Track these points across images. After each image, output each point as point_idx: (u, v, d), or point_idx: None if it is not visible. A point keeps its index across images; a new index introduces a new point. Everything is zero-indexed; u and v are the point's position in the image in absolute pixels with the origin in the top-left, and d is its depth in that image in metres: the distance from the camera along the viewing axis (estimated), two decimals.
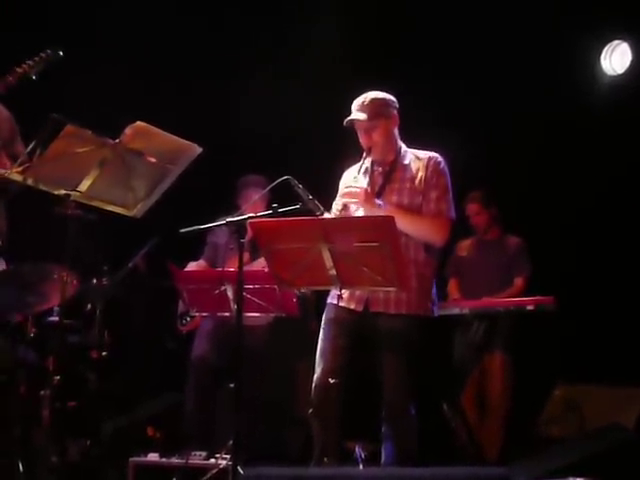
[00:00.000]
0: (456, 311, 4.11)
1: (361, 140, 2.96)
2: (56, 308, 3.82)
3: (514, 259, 4.34)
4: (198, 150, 2.51)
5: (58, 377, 3.22)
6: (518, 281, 4.30)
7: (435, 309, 2.99)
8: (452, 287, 4.45)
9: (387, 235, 2.49)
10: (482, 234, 4.49)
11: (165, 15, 4.66)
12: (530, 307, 3.94)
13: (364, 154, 2.93)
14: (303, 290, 3.17)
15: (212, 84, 4.81)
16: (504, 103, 4.43)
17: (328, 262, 2.56)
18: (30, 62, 2.50)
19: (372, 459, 3.51)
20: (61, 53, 2.54)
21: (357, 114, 2.93)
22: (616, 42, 4.43)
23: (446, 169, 2.97)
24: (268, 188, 3.07)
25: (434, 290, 2.99)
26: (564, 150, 4.46)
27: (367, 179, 2.98)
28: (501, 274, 4.33)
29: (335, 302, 2.92)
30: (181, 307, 4.13)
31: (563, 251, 4.43)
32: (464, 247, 4.50)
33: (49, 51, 2.53)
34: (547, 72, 4.40)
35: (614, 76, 4.45)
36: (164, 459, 3.45)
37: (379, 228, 2.51)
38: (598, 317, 4.30)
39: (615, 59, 4.41)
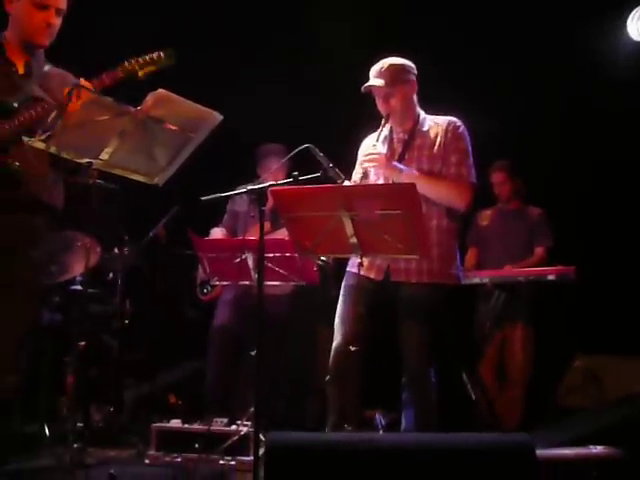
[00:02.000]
0: (476, 280, 4.10)
1: (379, 107, 2.94)
2: (79, 277, 3.87)
3: (535, 229, 4.32)
4: (219, 118, 2.49)
5: (83, 343, 3.27)
6: (539, 250, 4.28)
7: (460, 275, 2.97)
8: (470, 256, 4.44)
9: (409, 202, 2.47)
10: (504, 203, 4.45)
11: None
12: (551, 277, 3.92)
13: (383, 121, 2.91)
14: (324, 258, 3.16)
15: (231, 51, 4.77)
16: (528, 71, 4.35)
17: (349, 230, 2.55)
18: (140, 60, 2.46)
19: (392, 426, 3.55)
20: (173, 59, 2.44)
21: (375, 80, 2.90)
22: None
23: (465, 133, 2.94)
24: (289, 156, 3.06)
25: (458, 257, 2.97)
26: (589, 118, 4.38)
27: (386, 146, 2.96)
28: (522, 244, 4.30)
29: (355, 270, 2.92)
30: (201, 276, 4.16)
31: (585, 222, 4.40)
32: (485, 216, 4.48)
33: (161, 53, 2.46)
34: (572, 38, 4.31)
35: None
36: (186, 425, 3.49)
37: (401, 195, 2.49)
38: (619, 287, 4.28)
39: None
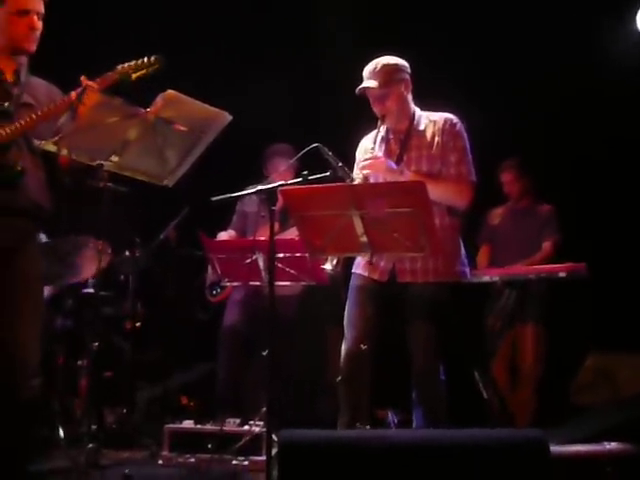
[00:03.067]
0: (486, 279, 4.09)
1: (374, 108, 2.92)
2: (91, 280, 3.90)
3: (544, 225, 4.31)
4: (228, 118, 2.51)
5: (96, 344, 3.29)
6: (547, 245, 4.27)
7: (467, 271, 2.97)
8: (482, 255, 4.43)
9: (419, 200, 2.48)
10: (515, 202, 4.46)
11: None
12: (562, 274, 3.89)
13: (379, 122, 2.90)
14: (330, 267, 3.09)
15: (239, 51, 4.79)
16: (534, 62, 4.34)
17: (359, 228, 2.56)
18: (132, 64, 2.49)
19: (404, 425, 3.54)
20: (163, 61, 2.49)
21: (368, 82, 2.89)
22: None
23: (462, 130, 2.92)
24: (298, 156, 3.07)
25: (463, 252, 2.96)
26: (596, 112, 4.37)
27: (383, 148, 2.96)
28: (532, 242, 4.30)
29: (360, 272, 2.93)
30: (210, 277, 4.18)
31: (595, 218, 4.38)
32: (496, 215, 4.48)
33: (153, 57, 2.50)
34: (579, 31, 4.29)
35: None
36: (199, 426, 3.50)
37: (411, 193, 2.50)
38: (630, 284, 4.25)
39: None
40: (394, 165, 2.84)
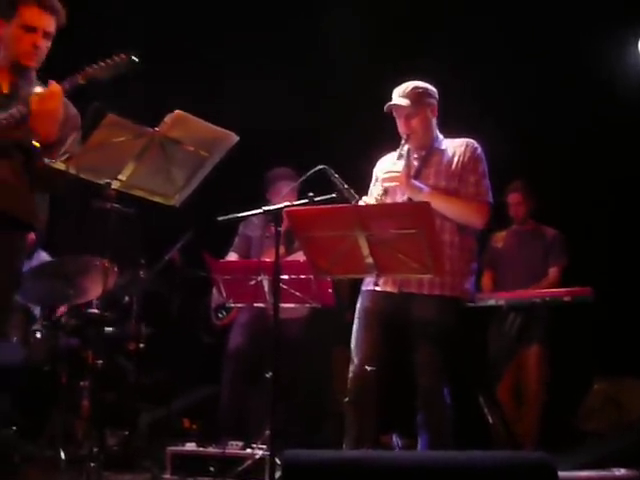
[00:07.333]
0: (492, 302, 4.07)
1: (400, 127, 2.99)
2: (95, 301, 3.90)
3: (551, 250, 4.30)
4: (235, 139, 2.53)
5: (100, 362, 3.26)
6: (553, 271, 4.25)
7: (472, 290, 2.96)
8: (486, 279, 4.41)
9: (423, 221, 2.48)
10: (519, 224, 4.45)
11: None
12: (567, 298, 3.88)
13: (402, 141, 2.95)
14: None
15: (241, 75, 4.84)
16: (536, 91, 4.38)
17: (365, 250, 2.57)
18: (102, 64, 2.47)
19: (409, 449, 3.50)
20: (136, 59, 2.45)
21: (399, 99, 2.96)
22: None
23: (482, 155, 2.99)
24: (304, 177, 3.08)
25: (472, 275, 2.97)
26: (599, 140, 4.39)
27: (403, 164, 2.98)
28: (537, 265, 4.29)
29: (370, 288, 2.93)
30: (215, 300, 4.17)
31: (600, 242, 4.38)
32: (499, 238, 4.47)
33: (123, 55, 2.47)
34: (582, 60, 4.34)
35: None
36: (201, 448, 3.47)
37: (415, 214, 2.51)
38: (637, 309, 4.23)
39: None
40: (417, 182, 2.88)
